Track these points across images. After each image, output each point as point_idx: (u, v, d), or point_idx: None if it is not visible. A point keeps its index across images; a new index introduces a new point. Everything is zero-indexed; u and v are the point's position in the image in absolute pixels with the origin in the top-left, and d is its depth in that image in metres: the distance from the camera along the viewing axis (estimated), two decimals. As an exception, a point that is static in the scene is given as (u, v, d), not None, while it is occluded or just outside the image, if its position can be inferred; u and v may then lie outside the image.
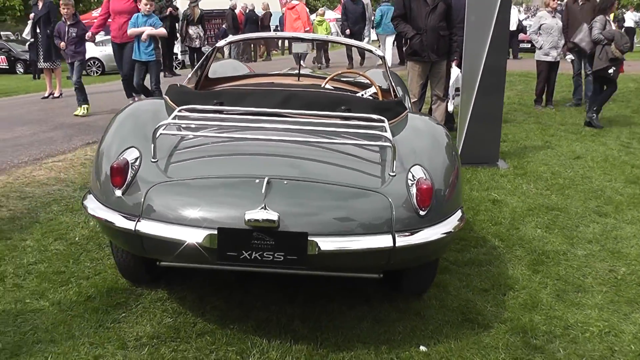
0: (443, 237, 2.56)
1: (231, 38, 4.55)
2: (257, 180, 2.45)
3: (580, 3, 9.40)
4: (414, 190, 2.54)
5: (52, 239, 3.83)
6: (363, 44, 4.72)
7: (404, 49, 10.75)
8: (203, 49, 14.57)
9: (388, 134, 2.63)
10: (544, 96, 9.67)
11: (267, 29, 20.48)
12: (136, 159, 2.62)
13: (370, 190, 2.52)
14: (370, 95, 4.15)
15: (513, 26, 11.40)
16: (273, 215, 2.29)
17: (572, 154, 6.56)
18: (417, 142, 2.89)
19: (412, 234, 2.48)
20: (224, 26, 18.37)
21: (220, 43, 4.30)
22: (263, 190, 2.38)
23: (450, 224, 2.62)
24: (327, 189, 2.51)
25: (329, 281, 3.29)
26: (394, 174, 2.60)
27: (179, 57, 17.24)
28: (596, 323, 3.01)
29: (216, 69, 4.66)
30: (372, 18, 14.96)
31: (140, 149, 2.68)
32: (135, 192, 2.53)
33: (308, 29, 12.43)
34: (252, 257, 2.35)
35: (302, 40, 4.50)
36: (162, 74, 13.79)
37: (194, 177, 2.55)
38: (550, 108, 9.52)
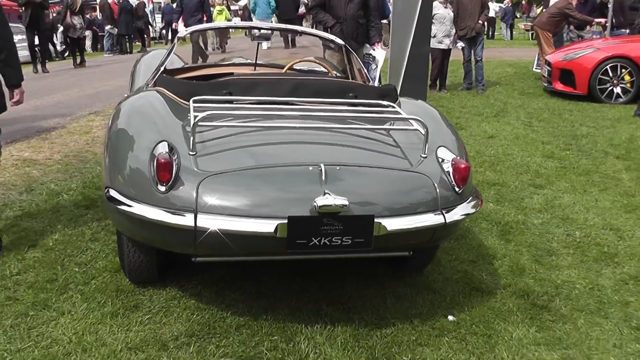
0: (473, 212, 2.76)
1: (193, 28, 4.43)
2: (311, 168, 2.48)
3: (469, -6, 10.08)
4: (449, 169, 2.70)
5: (25, 246, 3.55)
6: (324, 34, 4.80)
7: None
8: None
9: (418, 117, 2.77)
10: (437, 81, 10.29)
11: (142, 18, 19.78)
12: (171, 152, 2.52)
13: (413, 172, 2.65)
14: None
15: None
16: (344, 201, 2.34)
17: (485, 134, 7.08)
18: (428, 125, 3.05)
19: (452, 211, 2.64)
20: (97, 16, 17.51)
21: (182, 33, 4.19)
22: (324, 177, 2.42)
23: (475, 200, 2.82)
24: (376, 173, 2.60)
25: (335, 264, 3.38)
26: (425, 155, 2.74)
27: (58, 47, 16.20)
28: (579, 281, 3.37)
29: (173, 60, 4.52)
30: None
31: (172, 142, 2.59)
32: (183, 186, 2.44)
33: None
34: (322, 243, 2.39)
35: (261, 29, 4.48)
36: (39, 67, 12.94)
37: (245, 167, 2.50)
38: (444, 92, 10.13)
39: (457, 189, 2.69)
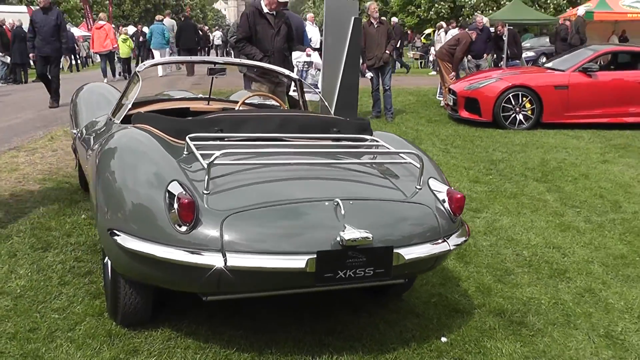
0: (466, 239, 2.96)
1: (150, 62, 4.38)
2: (327, 203, 2.57)
3: (376, 26, 10.57)
4: (444, 199, 2.88)
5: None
6: (279, 69, 4.89)
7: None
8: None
9: (418, 151, 2.96)
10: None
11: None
12: (186, 192, 2.52)
13: (416, 203, 2.81)
14: None
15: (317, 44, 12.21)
16: (368, 234, 2.45)
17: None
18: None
19: (452, 238, 2.82)
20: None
21: (140, 68, 4.14)
22: (342, 211, 2.51)
23: (463, 228, 3.02)
24: (385, 205, 2.74)
25: (318, 294, 3.45)
26: (420, 187, 2.92)
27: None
28: (542, 297, 3.66)
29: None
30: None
31: (182, 181, 2.58)
32: (206, 226, 2.44)
33: (116, 45, 12.16)
34: (347, 276, 2.47)
35: (216, 64, 4.51)
36: None
37: (264, 204, 2.54)
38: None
39: (453, 218, 2.88)
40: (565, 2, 31.50)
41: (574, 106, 9.59)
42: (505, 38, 12.11)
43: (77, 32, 26.74)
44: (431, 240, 2.73)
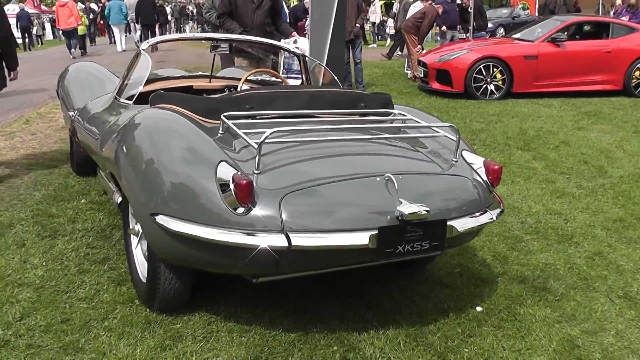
0: (503, 208, 3.01)
1: (153, 40, 4.24)
2: (378, 178, 2.56)
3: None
4: (481, 171, 2.92)
5: (10, 288, 3.20)
6: (281, 44, 4.80)
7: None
8: None
9: (448, 124, 2.97)
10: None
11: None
12: (241, 173, 2.45)
13: (458, 175, 2.83)
14: None
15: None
16: (426, 207, 2.45)
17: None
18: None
19: (491, 209, 2.87)
20: None
21: (143, 46, 4.01)
22: (396, 186, 2.51)
23: (496, 199, 3.07)
24: (431, 179, 2.75)
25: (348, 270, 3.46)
26: (456, 159, 2.94)
27: None
28: (557, 262, 3.77)
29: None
30: None
31: (231, 162, 2.52)
32: (264, 206, 2.39)
33: (80, 22, 11.80)
34: (405, 250, 2.48)
35: (218, 41, 4.39)
36: None
37: (319, 182, 2.51)
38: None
39: (490, 189, 2.92)
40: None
41: (543, 75, 9.81)
42: (471, 10, 12.21)
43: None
44: (476, 211, 2.76)
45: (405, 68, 13.00)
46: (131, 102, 3.63)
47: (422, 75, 10.75)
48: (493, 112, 8.83)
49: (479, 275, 3.56)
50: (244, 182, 2.33)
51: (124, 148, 2.93)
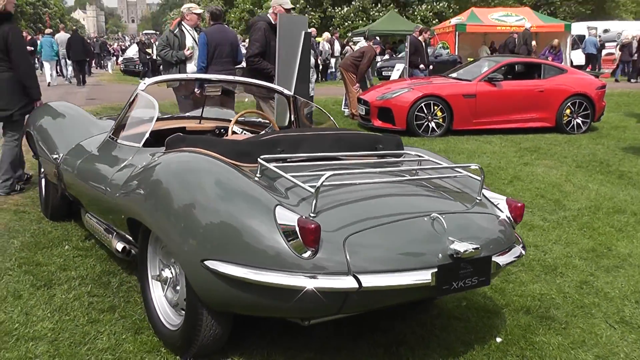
0: (524, 246, 3.17)
1: (151, 80, 4.16)
2: (426, 218, 2.65)
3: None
4: (505, 208, 3.08)
5: (20, 342, 3.03)
6: (272, 85, 4.83)
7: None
8: None
9: (474, 166, 3.12)
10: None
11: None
12: (306, 217, 2.47)
13: (490, 214, 2.97)
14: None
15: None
16: (476, 245, 2.57)
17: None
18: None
19: (515, 245, 3.03)
20: None
21: (141, 87, 3.96)
22: (445, 225, 2.62)
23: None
24: (470, 217, 2.88)
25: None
26: (479, 198, 3.09)
27: None
28: (551, 292, 3.98)
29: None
30: None
31: (286, 205, 2.54)
32: (328, 249, 2.42)
33: None
34: (459, 286, 2.58)
35: (211, 82, 4.39)
36: None
37: (376, 222, 2.57)
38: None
39: (514, 225, 3.09)
40: (431, 14, 33.63)
41: (481, 113, 10.35)
42: (407, 49, 12.74)
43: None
44: (509, 247, 2.91)
45: (343, 106, 13.30)
46: (139, 144, 3.56)
47: (363, 113, 11.04)
48: (439, 148, 9.19)
49: (486, 307, 3.71)
50: (313, 226, 2.36)
51: (159, 194, 2.87)
